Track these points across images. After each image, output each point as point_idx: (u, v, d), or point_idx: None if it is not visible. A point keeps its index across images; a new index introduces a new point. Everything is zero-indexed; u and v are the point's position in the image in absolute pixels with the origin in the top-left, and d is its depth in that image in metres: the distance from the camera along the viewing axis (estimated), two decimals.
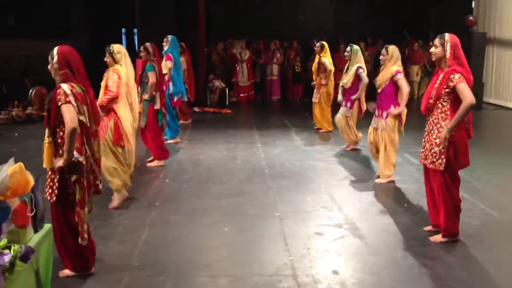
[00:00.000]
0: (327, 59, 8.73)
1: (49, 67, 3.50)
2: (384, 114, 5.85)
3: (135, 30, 14.61)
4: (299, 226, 4.67)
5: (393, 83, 5.76)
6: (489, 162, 6.94)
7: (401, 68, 5.83)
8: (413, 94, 14.23)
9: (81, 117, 3.38)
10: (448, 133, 4.01)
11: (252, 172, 6.52)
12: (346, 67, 7.52)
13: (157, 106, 6.39)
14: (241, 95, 13.55)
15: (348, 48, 7.43)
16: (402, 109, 5.77)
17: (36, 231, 2.51)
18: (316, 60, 8.96)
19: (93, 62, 8.26)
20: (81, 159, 3.38)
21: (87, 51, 7.19)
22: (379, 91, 5.92)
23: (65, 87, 3.35)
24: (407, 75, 6.05)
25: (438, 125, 4.09)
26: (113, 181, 5.04)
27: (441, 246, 4.19)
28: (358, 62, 7.30)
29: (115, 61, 4.99)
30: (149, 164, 6.74)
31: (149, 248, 4.18)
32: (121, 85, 4.91)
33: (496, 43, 12.67)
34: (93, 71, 4.32)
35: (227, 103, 12.65)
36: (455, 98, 4.02)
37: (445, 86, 4.02)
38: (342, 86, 7.47)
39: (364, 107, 7.42)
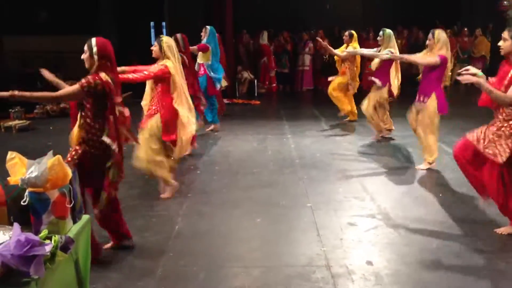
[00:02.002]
0: (352, 47, 8.57)
1: (83, 57, 3.56)
2: (426, 99, 5.75)
3: (164, 24, 14.70)
4: (331, 216, 4.65)
5: (438, 68, 5.64)
6: None
7: (448, 53, 5.69)
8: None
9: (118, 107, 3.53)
10: (477, 82, 3.84)
11: (282, 163, 6.50)
12: (378, 51, 7.39)
13: None
14: (273, 84, 13.58)
15: (381, 33, 7.30)
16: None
17: (74, 221, 2.56)
18: (342, 48, 8.84)
19: (122, 57, 8.37)
20: (113, 146, 3.52)
21: (116, 46, 7.38)
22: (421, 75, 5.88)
23: (103, 76, 3.44)
24: None
25: (511, 122, 3.92)
26: (161, 173, 5.10)
27: (480, 238, 4.10)
28: (390, 47, 7.16)
29: (161, 51, 5.01)
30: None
31: (183, 239, 4.23)
32: (174, 79, 4.92)
33: None
34: (121, 65, 4.38)
35: (255, 94, 12.66)
36: None
37: None
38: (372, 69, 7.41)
39: (394, 90, 7.29)
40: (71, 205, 2.51)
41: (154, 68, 4.93)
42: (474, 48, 14.23)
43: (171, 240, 4.17)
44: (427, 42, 5.82)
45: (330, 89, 8.97)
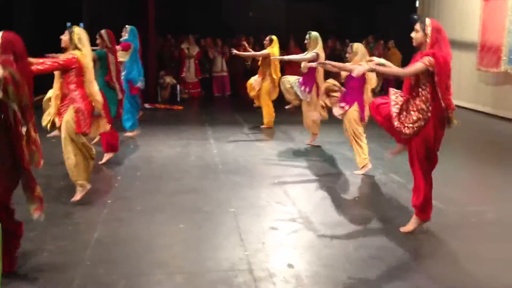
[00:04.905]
0: (271, 51, 8.71)
1: None
2: (347, 107, 6.08)
3: (82, 25, 14.19)
4: (253, 221, 4.70)
5: (358, 78, 5.75)
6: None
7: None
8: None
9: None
10: (370, 68, 4.10)
11: (205, 169, 6.49)
12: (305, 54, 7.55)
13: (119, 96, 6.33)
14: (192, 91, 13.46)
15: (307, 36, 7.42)
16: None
17: None
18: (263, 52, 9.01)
19: (36, 55, 7.97)
20: None
21: (30, 44, 7.02)
22: (344, 83, 6.19)
23: None
24: None
25: (419, 107, 4.09)
26: (77, 175, 4.95)
27: (392, 238, 4.31)
28: (316, 49, 7.31)
29: (71, 42, 4.85)
30: (101, 162, 6.53)
31: (102, 246, 4.09)
32: (85, 70, 4.79)
33: None
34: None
35: (178, 100, 12.54)
36: (433, 82, 3.99)
37: None
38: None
39: (321, 90, 7.45)
40: None
41: (62, 57, 4.80)
42: (387, 59, 14.94)
43: (89, 249, 4.02)
44: (347, 55, 6.12)
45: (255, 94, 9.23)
